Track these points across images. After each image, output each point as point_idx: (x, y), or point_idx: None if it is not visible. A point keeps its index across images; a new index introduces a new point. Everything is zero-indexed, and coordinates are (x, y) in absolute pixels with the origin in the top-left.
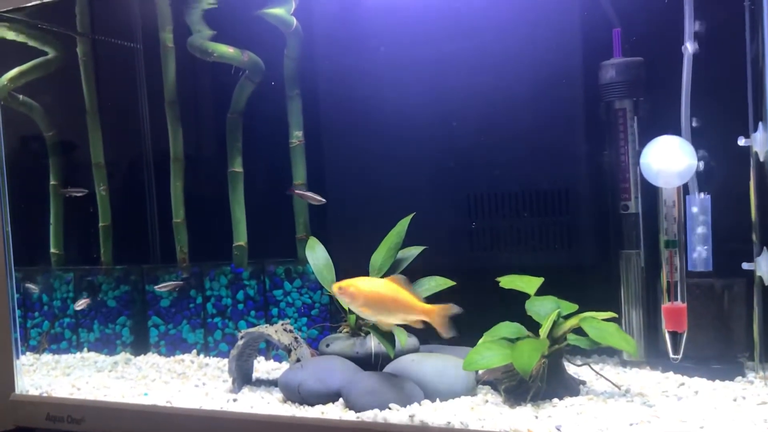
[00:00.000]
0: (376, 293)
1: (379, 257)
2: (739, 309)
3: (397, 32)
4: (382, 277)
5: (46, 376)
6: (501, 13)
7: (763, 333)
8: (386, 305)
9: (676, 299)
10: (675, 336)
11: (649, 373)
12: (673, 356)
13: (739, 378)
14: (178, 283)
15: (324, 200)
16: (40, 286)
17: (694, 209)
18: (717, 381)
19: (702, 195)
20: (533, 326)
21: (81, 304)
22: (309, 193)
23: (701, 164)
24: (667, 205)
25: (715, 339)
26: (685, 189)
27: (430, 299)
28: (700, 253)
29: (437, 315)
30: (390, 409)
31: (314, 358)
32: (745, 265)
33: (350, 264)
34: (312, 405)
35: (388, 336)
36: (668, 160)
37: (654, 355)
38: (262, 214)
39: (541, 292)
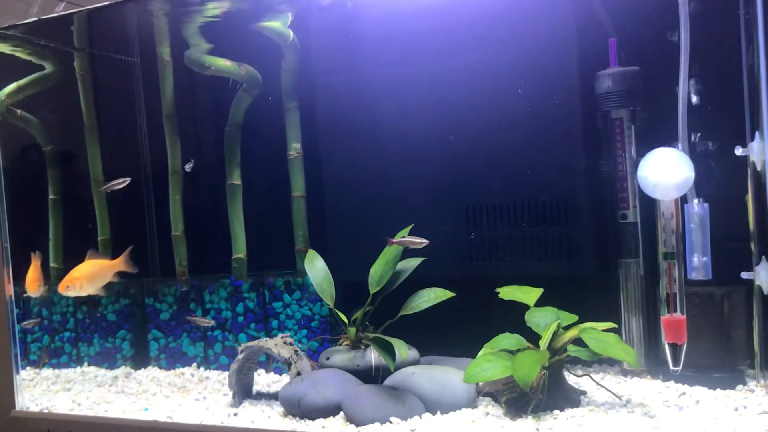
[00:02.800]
0: (89, 273)
1: (378, 269)
2: (739, 317)
3: (394, 45)
4: (380, 290)
5: (47, 391)
6: (497, 26)
7: (763, 342)
8: (99, 277)
9: (676, 311)
10: (675, 348)
11: (650, 382)
12: (673, 368)
13: (740, 386)
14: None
15: (427, 241)
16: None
17: (693, 218)
18: (718, 390)
19: (699, 201)
20: (533, 337)
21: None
22: (408, 239)
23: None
24: (665, 217)
25: (715, 348)
26: (683, 197)
27: (431, 310)
28: (700, 261)
29: (123, 262)
30: (391, 422)
31: (314, 371)
32: (744, 275)
33: (349, 276)
34: (313, 419)
35: (388, 349)
36: (665, 172)
37: (655, 364)
38: (261, 227)
39: (541, 301)
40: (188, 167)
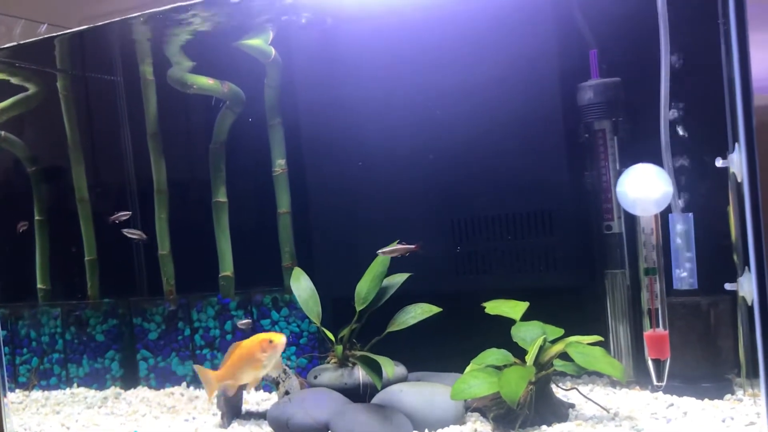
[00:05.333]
0: None
1: (364, 286)
2: (726, 326)
3: (376, 60)
4: (366, 306)
5: (36, 414)
6: (478, 41)
7: (749, 352)
8: None
9: (658, 326)
10: (658, 363)
11: (639, 393)
12: (656, 384)
13: (728, 396)
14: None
15: (413, 246)
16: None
17: (678, 228)
18: (706, 400)
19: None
20: (521, 350)
21: (244, 323)
22: (398, 247)
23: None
24: (646, 233)
25: (702, 357)
26: (668, 207)
27: (417, 326)
28: (685, 271)
29: None
30: None
31: (302, 391)
32: (728, 286)
33: (336, 292)
34: None
35: (375, 367)
36: (645, 188)
37: (643, 374)
38: (248, 244)
39: (528, 313)
40: (21, 228)
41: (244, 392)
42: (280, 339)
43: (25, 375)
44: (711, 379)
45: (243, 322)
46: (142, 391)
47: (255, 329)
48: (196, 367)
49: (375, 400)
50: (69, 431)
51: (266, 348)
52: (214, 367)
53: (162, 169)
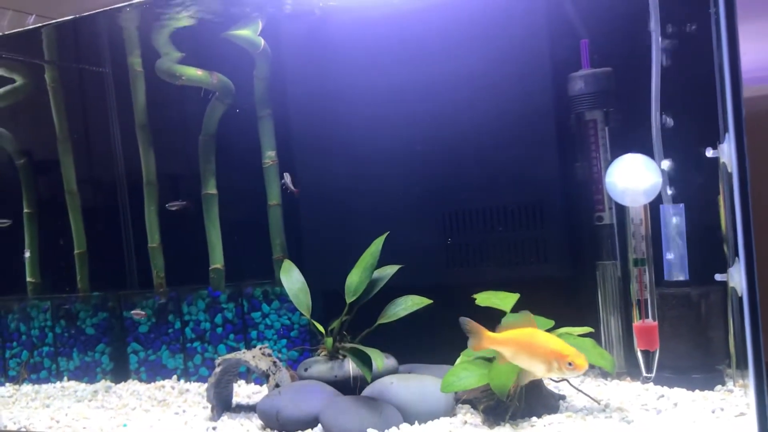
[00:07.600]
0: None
1: (354, 278)
2: (716, 318)
3: (365, 51)
4: (357, 299)
5: (26, 408)
6: (468, 31)
7: (740, 343)
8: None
9: (647, 317)
10: (647, 354)
11: (630, 384)
12: (646, 374)
13: (719, 387)
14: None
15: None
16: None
17: (669, 219)
18: (697, 391)
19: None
20: None
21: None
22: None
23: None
24: (635, 223)
25: (693, 348)
26: (659, 198)
27: (409, 318)
28: (676, 262)
29: None
30: None
31: (293, 383)
32: (718, 277)
33: (327, 285)
34: None
35: (365, 359)
36: (633, 178)
37: (634, 365)
38: (239, 236)
39: (520, 305)
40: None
41: (235, 385)
42: (582, 364)
43: (15, 369)
44: (702, 370)
45: (136, 312)
46: (132, 385)
47: (245, 322)
48: (466, 321)
49: (365, 392)
50: (58, 425)
51: (561, 364)
52: (206, 360)
53: (151, 161)
